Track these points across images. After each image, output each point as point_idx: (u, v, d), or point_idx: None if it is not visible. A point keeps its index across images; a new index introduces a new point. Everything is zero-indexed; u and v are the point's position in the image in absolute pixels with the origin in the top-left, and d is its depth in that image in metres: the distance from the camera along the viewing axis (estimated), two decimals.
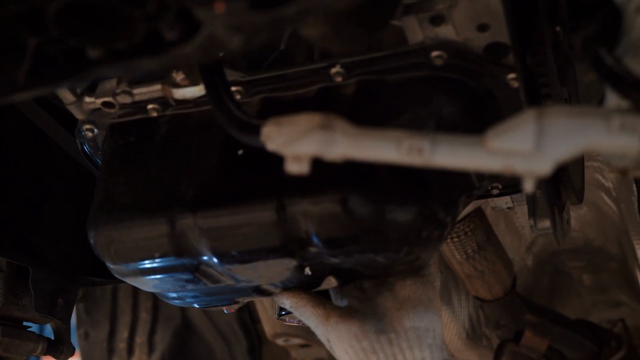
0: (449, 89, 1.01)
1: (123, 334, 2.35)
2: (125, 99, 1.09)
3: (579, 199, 1.17)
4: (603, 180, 1.82)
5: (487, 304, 1.68)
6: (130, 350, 2.35)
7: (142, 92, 1.08)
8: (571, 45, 0.97)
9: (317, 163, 0.79)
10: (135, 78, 1.07)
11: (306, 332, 2.12)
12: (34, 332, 1.44)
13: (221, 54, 0.91)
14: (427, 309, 1.10)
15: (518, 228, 1.98)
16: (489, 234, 1.55)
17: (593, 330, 1.85)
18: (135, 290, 2.35)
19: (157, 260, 1.06)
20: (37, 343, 1.43)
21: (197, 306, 1.23)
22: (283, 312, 1.21)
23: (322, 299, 1.12)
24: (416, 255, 1.04)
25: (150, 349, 2.35)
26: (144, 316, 2.35)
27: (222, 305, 1.24)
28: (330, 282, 1.10)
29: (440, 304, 1.74)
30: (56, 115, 1.29)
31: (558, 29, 0.97)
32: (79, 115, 1.14)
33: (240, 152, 1.03)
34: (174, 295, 1.17)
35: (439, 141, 0.73)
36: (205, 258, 1.05)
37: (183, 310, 2.36)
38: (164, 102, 1.09)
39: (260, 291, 1.15)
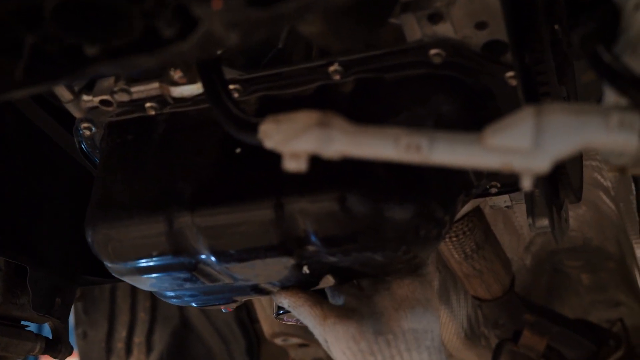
0: (447, 87, 1.00)
1: (121, 333, 2.35)
2: (123, 97, 1.09)
3: (578, 198, 1.17)
4: (602, 180, 1.83)
5: (486, 303, 1.68)
6: (128, 350, 2.35)
7: (139, 90, 1.08)
8: (569, 43, 0.97)
9: (315, 161, 0.79)
10: (133, 75, 1.07)
11: (304, 332, 2.12)
12: (32, 332, 1.44)
13: (219, 52, 0.91)
14: (426, 310, 1.10)
15: (516, 227, 1.98)
16: (487, 233, 1.55)
17: (592, 330, 1.85)
18: (134, 290, 2.35)
19: (154, 258, 1.06)
20: (35, 342, 1.43)
21: (194, 305, 1.23)
22: (281, 311, 1.20)
23: (320, 299, 1.12)
24: (414, 254, 1.04)
25: (149, 348, 2.35)
26: (142, 316, 2.35)
27: (220, 304, 1.24)
28: (328, 281, 1.10)
29: (439, 304, 1.74)
30: (54, 114, 1.29)
31: (556, 27, 0.97)
32: (77, 114, 1.13)
33: (238, 150, 1.03)
34: (171, 294, 1.17)
35: (437, 138, 0.73)
36: (203, 257, 1.05)
37: (181, 310, 2.36)
38: (161, 100, 1.09)
39: (258, 290, 1.15)
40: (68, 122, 1.19)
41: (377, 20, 0.83)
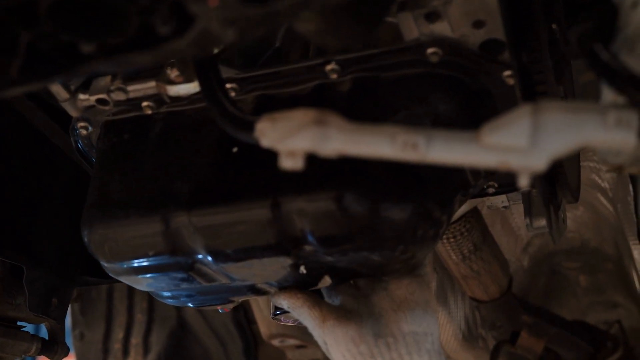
0: (445, 86, 1.00)
1: (118, 334, 2.35)
2: (119, 96, 1.09)
3: (575, 198, 1.17)
4: (599, 181, 1.83)
5: (483, 304, 1.68)
6: (125, 351, 2.35)
7: (136, 89, 1.08)
8: (567, 42, 0.97)
9: (312, 161, 0.78)
10: (129, 74, 1.07)
11: (302, 333, 2.12)
12: (28, 332, 1.44)
13: (216, 50, 0.91)
14: (425, 312, 1.10)
15: (514, 229, 1.98)
16: (485, 234, 1.55)
17: (589, 332, 1.85)
18: (131, 291, 2.34)
19: (151, 258, 1.05)
20: (31, 343, 1.43)
21: (191, 305, 1.23)
22: (278, 312, 1.20)
23: (318, 300, 1.11)
24: (412, 254, 1.04)
25: (146, 349, 2.34)
26: (140, 317, 2.35)
27: (216, 305, 1.24)
28: (326, 282, 1.10)
29: (437, 306, 1.74)
30: (51, 113, 1.29)
31: (554, 26, 0.97)
32: (73, 113, 1.13)
33: (235, 149, 1.03)
34: (168, 294, 1.16)
35: (434, 136, 0.73)
36: (199, 256, 1.04)
37: (179, 311, 2.36)
38: (158, 99, 1.09)
39: (255, 290, 1.14)
40: (65, 121, 1.19)
41: (375, 17, 0.82)
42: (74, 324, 2.37)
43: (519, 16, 0.88)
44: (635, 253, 1.83)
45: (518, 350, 1.71)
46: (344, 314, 1.09)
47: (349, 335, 1.07)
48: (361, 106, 1.01)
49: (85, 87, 1.09)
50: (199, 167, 1.04)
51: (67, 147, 1.26)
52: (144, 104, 1.09)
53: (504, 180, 1.13)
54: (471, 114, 1.02)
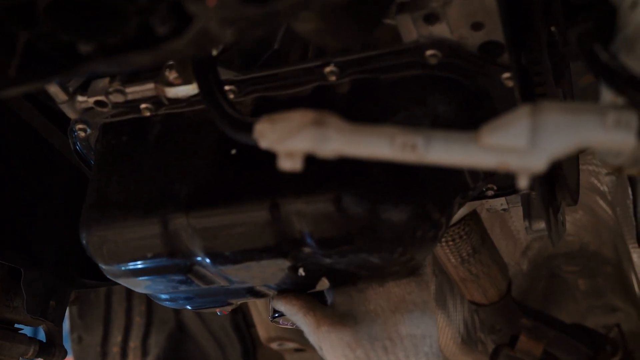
0: (444, 88, 1.00)
1: (117, 337, 2.34)
2: (117, 98, 1.08)
3: (574, 200, 1.17)
4: (598, 184, 1.82)
5: (482, 308, 1.68)
6: (124, 354, 2.34)
7: (135, 91, 1.07)
8: (566, 43, 0.97)
9: (311, 162, 0.78)
10: (128, 74, 1.07)
11: (300, 337, 2.11)
12: (25, 335, 1.43)
13: (215, 52, 0.91)
14: (423, 314, 1.09)
15: (513, 232, 1.98)
16: (484, 237, 1.54)
17: (589, 335, 1.84)
18: (129, 294, 2.34)
19: (149, 260, 1.05)
20: (29, 345, 1.42)
21: (189, 308, 1.22)
22: (276, 314, 1.20)
23: (313, 305, 1.11)
24: (411, 256, 1.04)
25: (144, 353, 2.34)
26: (138, 320, 2.34)
27: (215, 307, 1.23)
28: (324, 284, 1.09)
29: (436, 308, 1.73)
30: (49, 115, 1.29)
31: (553, 28, 0.97)
32: (72, 115, 1.13)
33: (233, 151, 1.03)
34: (166, 296, 1.16)
35: (433, 137, 0.73)
36: (198, 258, 1.04)
37: (177, 314, 2.36)
38: (156, 101, 1.08)
39: (254, 292, 1.14)
40: (64, 123, 1.18)
41: (374, 18, 0.82)
42: (72, 327, 2.36)
43: (518, 18, 0.88)
44: (635, 256, 1.83)
45: (517, 354, 1.71)
46: (338, 319, 1.08)
47: (345, 340, 1.06)
48: (360, 108, 1.01)
49: (83, 89, 1.09)
50: (198, 169, 1.04)
51: (65, 149, 1.26)
52: (143, 106, 1.09)
53: (503, 183, 1.13)
54: (470, 115, 1.01)
